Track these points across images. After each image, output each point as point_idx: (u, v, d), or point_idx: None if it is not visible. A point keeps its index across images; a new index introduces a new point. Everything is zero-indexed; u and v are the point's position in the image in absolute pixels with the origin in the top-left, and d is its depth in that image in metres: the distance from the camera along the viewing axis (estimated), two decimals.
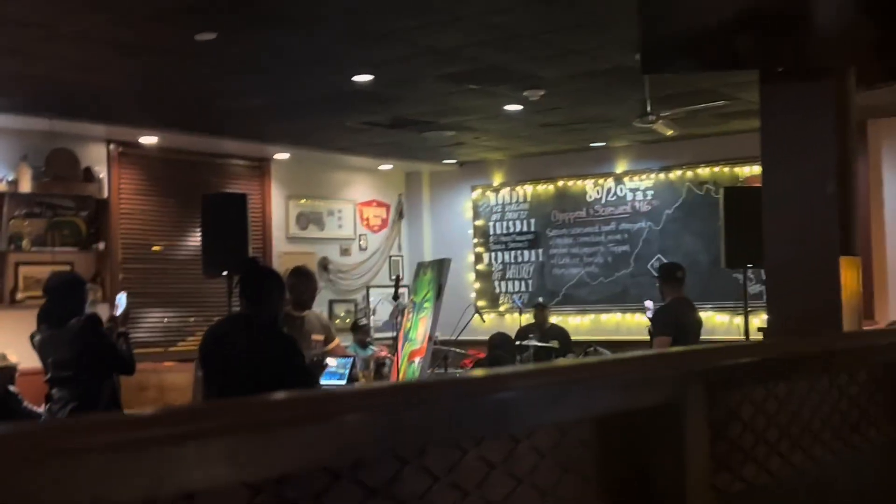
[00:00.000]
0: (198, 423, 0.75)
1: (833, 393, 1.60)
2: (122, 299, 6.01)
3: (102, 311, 6.82)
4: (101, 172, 9.20)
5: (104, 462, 0.69)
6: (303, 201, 11.16)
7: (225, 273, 6.93)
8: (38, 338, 5.65)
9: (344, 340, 9.49)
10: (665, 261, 10.54)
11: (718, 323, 10.24)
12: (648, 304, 8.24)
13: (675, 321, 6.92)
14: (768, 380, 1.46)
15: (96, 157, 9.23)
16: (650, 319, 7.99)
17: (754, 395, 1.44)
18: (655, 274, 8.08)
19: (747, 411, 1.43)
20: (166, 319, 9.75)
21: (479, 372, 1.08)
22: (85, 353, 5.47)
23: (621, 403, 1.17)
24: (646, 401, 1.20)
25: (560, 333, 9.88)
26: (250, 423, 0.77)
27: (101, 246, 9.18)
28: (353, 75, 7.26)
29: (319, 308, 10.50)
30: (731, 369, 1.34)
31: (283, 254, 10.68)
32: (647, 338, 7.55)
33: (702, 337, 7.31)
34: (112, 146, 9.35)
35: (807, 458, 1.55)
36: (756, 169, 9.54)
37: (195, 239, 8.97)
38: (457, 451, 1.03)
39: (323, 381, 5.55)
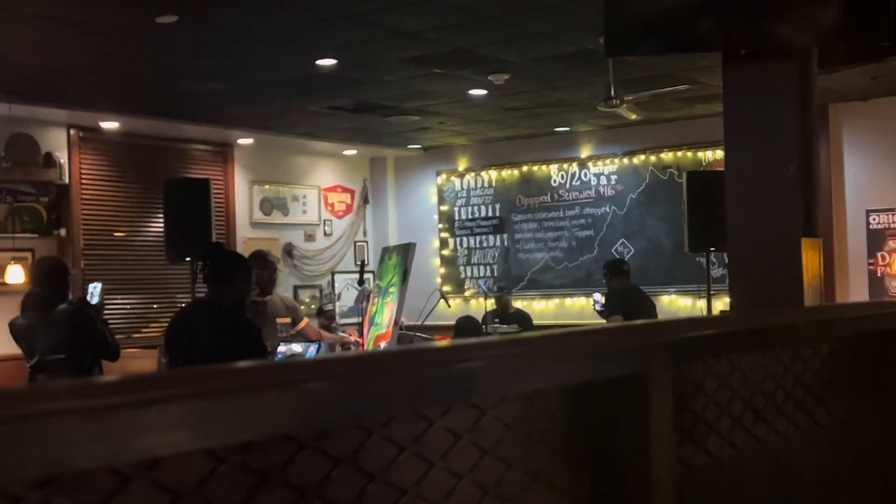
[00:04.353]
0: (160, 390, 0.74)
1: (796, 366, 1.62)
2: (96, 289, 5.97)
3: None
4: (62, 158, 9.10)
5: (65, 427, 0.68)
6: (267, 187, 11.10)
7: (188, 259, 6.89)
8: (21, 323, 5.58)
9: None
10: (629, 245, 10.63)
11: (681, 306, 10.32)
12: (597, 296, 8.37)
13: (627, 301, 7.17)
14: (732, 352, 1.46)
15: (57, 143, 9.12)
16: (599, 311, 8.18)
17: (718, 367, 1.45)
18: (602, 272, 8.42)
19: (711, 384, 1.43)
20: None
21: (445, 342, 1.08)
22: (77, 336, 5.45)
23: (587, 374, 1.17)
24: (611, 371, 1.20)
25: (522, 318, 9.92)
26: (212, 390, 0.76)
27: (63, 232, 9.09)
28: (317, 58, 7.21)
29: (286, 293, 10.49)
30: (695, 341, 1.34)
31: (247, 239, 10.62)
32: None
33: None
34: (73, 131, 9.24)
35: (770, 431, 1.56)
36: (719, 153, 9.60)
37: (158, 225, 8.91)
38: (422, 422, 1.02)
39: None
